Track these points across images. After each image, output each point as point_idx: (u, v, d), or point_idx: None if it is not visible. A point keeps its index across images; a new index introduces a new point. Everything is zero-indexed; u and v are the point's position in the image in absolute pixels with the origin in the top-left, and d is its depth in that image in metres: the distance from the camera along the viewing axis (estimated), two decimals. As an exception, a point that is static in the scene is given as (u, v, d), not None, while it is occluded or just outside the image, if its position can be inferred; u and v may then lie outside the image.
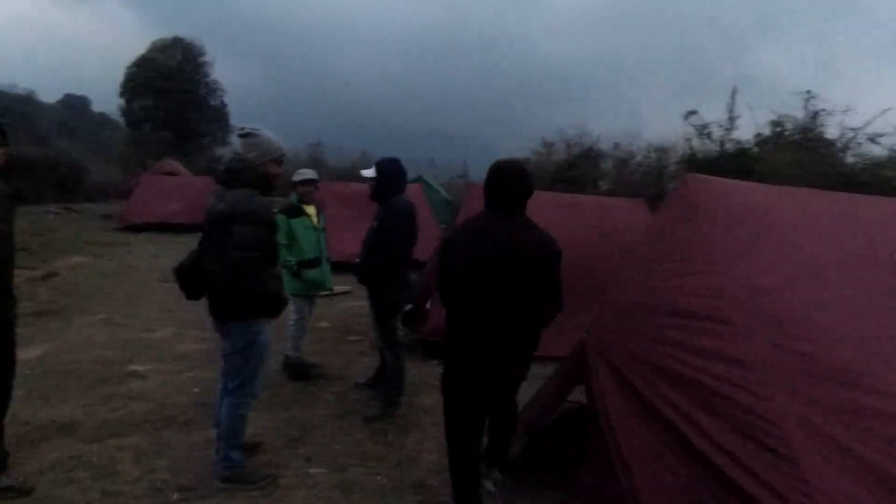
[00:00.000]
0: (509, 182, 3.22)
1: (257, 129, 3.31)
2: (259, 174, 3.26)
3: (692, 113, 15.12)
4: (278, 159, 3.38)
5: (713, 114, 14.84)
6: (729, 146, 14.45)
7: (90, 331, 6.63)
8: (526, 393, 4.91)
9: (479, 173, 22.84)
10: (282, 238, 4.91)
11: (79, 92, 68.59)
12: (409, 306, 4.82)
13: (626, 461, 2.55)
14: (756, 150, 14.04)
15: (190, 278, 3.33)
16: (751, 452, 2.14)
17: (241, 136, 3.29)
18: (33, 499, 3.21)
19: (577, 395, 3.46)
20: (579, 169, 17.61)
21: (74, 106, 64.47)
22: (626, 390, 2.71)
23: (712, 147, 14.79)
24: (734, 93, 14.33)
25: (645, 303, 2.88)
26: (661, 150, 16.98)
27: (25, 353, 5.21)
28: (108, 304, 8.11)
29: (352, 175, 22.53)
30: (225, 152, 32.33)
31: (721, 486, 2.18)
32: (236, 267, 3.05)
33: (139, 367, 5.41)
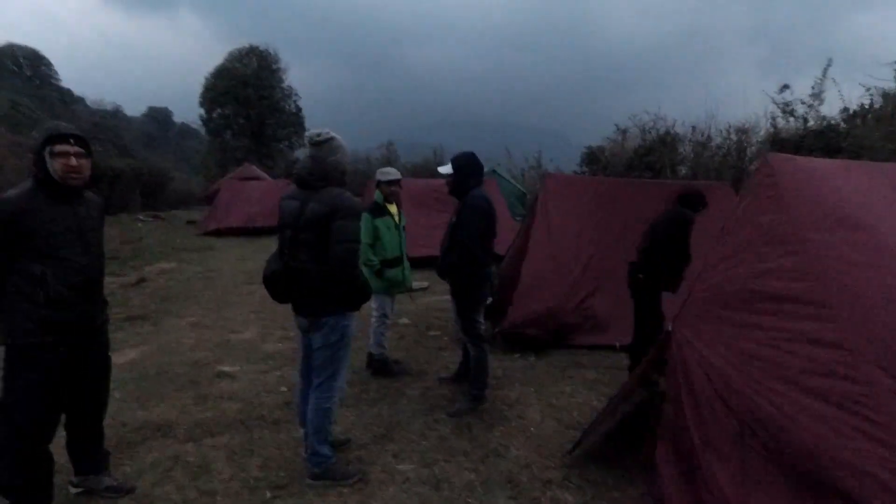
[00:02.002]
0: None
1: (332, 132, 3.39)
2: (342, 174, 3.39)
3: (785, 87, 14.58)
4: (351, 158, 3.49)
5: (799, 90, 14.69)
6: (814, 123, 13.90)
7: (180, 334, 6.86)
8: (614, 384, 4.95)
9: (552, 164, 22.49)
10: (365, 237, 4.96)
11: (161, 104, 72.43)
12: (489, 300, 4.74)
13: (711, 449, 2.56)
14: (844, 126, 13.37)
15: (281, 283, 3.38)
16: (856, 446, 2.09)
17: (319, 142, 3.32)
18: (133, 498, 3.29)
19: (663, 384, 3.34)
20: (656, 154, 17.12)
21: (157, 118, 68.26)
22: (713, 379, 2.69)
23: (796, 125, 14.27)
24: (827, 67, 13.67)
25: (734, 289, 2.83)
26: (742, 132, 16.43)
27: (120, 357, 5.45)
28: (195, 307, 8.39)
29: (426, 171, 22.66)
30: (301, 156, 33.26)
31: (820, 482, 2.15)
32: (343, 260, 3.17)
33: (228, 368, 5.54)
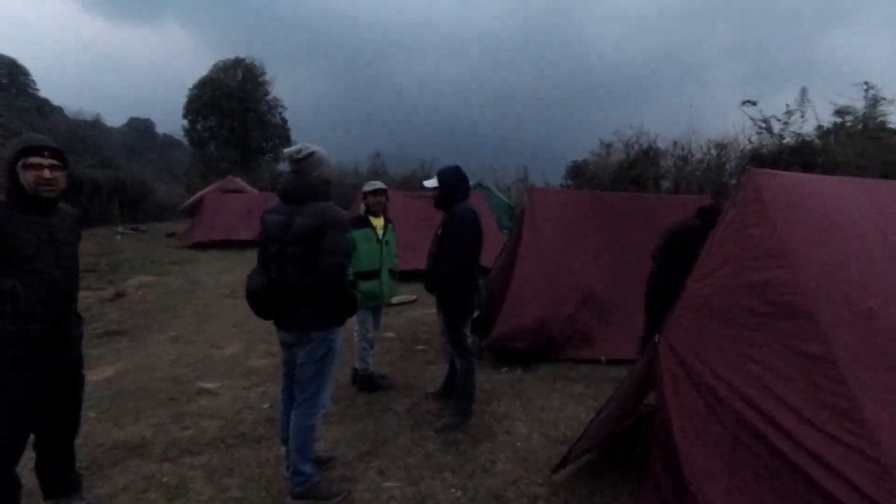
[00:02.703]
0: None
1: (312, 147, 3.37)
2: (327, 185, 3.40)
3: (749, 103, 15.00)
4: (335, 171, 3.41)
5: (776, 107, 15.06)
6: (790, 139, 14.39)
7: (160, 349, 6.71)
8: (601, 396, 4.88)
9: (539, 178, 22.66)
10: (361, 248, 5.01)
11: (144, 115, 72.01)
12: (476, 313, 4.70)
13: (700, 465, 2.52)
14: (818, 142, 13.97)
15: (266, 299, 3.31)
16: (841, 457, 2.13)
17: (300, 159, 3.31)
18: (107, 523, 3.16)
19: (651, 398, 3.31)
20: (640, 168, 17.51)
21: (139, 128, 67.74)
22: (703, 392, 2.67)
23: (772, 141, 14.75)
24: (804, 92, 14.31)
25: (721, 303, 2.84)
26: (721, 147, 16.93)
27: (96, 374, 5.30)
28: (176, 321, 8.23)
29: (413, 184, 22.66)
30: (285, 168, 33.11)
31: (809, 491, 2.16)
32: (333, 273, 3.18)
33: (209, 385, 5.41)
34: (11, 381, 2.75)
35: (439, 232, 4.50)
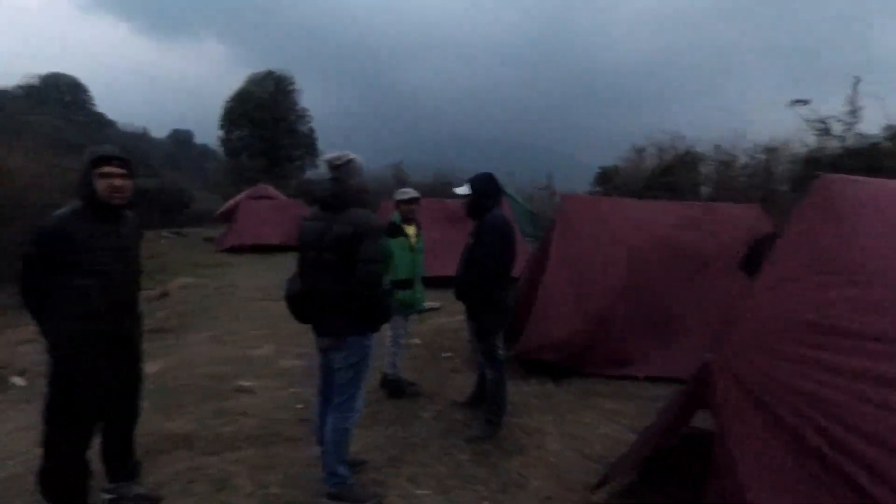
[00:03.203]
0: None
1: (350, 154, 3.43)
2: (364, 194, 3.45)
3: (801, 102, 13.79)
4: (368, 178, 3.55)
5: (832, 107, 13.47)
6: (852, 141, 13.12)
7: (200, 348, 7.01)
8: (637, 415, 4.86)
9: (563, 185, 22.22)
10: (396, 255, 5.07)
11: (185, 126, 74.93)
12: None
13: (764, 495, 2.27)
14: (888, 143, 12.67)
15: (304, 304, 3.42)
16: None
17: (339, 165, 3.36)
18: (160, 509, 3.38)
19: (698, 420, 3.25)
20: (675, 174, 16.67)
21: (180, 139, 70.62)
22: (764, 416, 2.42)
23: (833, 143, 13.46)
24: (856, 83, 13.06)
25: (785, 320, 2.60)
26: (771, 150, 15.80)
27: (146, 368, 5.53)
28: (214, 322, 8.57)
29: (433, 191, 22.72)
30: (312, 175, 33.62)
31: None
32: (369, 280, 3.21)
33: (246, 383, 5.63)
34: (83, 374, 2.99)
35: (470, 240, 4.52)
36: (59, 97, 52.73)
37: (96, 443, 3.25)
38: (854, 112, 13.14)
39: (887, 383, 2.11)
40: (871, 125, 12.94)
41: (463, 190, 4.53)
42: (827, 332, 2.38)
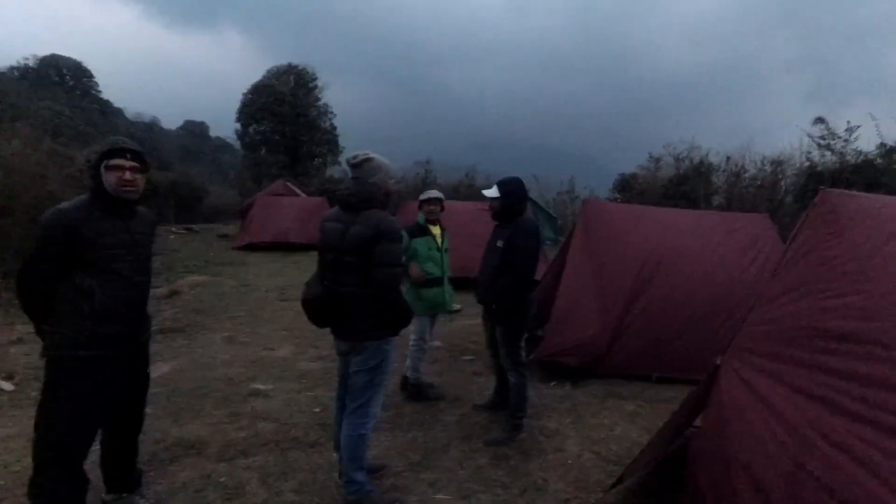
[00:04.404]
0: None
1: (370, 153, 3.38)
2: (384, 194, 3.37)
3: (819, 121, 14.69)
4: (391, 178, 3.48)
5: (841, 124, 14.47)
6: (851, 158, 13.99)
7: (214, 348, 6.86)
8: (654, 416, 4.83)
9: (584, 190, 22.53)
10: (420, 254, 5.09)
11: (198, 118, 74.00)
12: (540, 332, 4.70)
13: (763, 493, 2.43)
14: (881, 161, 13.58)
15: (321, 307, 3.34)
16: None
17: (357, 163, 3.32)
18: (165, 520, 3.23)
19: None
20: (690, 184, 17.31)
21: (194, 131, 69.84)
22: (769, 417, 2.56)
23: (833, 159, 14.41)
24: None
25: (794, 326, 2.70)
26: (777, 163, 16.60)
27: (154, 371, 5.40)
28: (228, 321, 8.41)
29: (458, 193, 22.73)
30: (335, 174, 33.51)
31: None
32: (386, 283, 3.16)
33: (261, 386, 5.49)
34: (85, 378, 2.83)
35: (500, 244, 4.45)
36: (60, 81, 50.08)
37: (94, 451, 3.08)
38: (851, 130, 14.07)
39: (884, 386, 2.20)
40: (870, 143, 13.90)
41: (492, 192, 4.52)
42: (828, 338, 2.50)
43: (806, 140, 15.12)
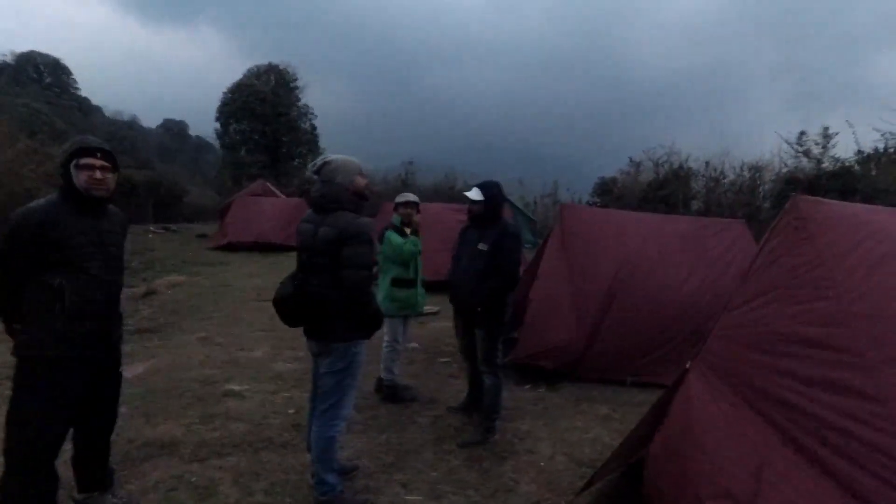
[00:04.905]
0: None
1: (328, 157, 3.41)
2: (352, 193, 3.36)
3: (802, 134, 15.01)
4: (361, 172, 3.46)
5: (819, 130, 14.73)
6: (828, 164, 14.24)
7: (189, 349, 6.83)
8: (627, 420, 4.86)
9: (566, 194, 22.67)
10: (390, 251, 5.11)
11: (178, 117, 73.22)
12: (515, 335, 4.74)
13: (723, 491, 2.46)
14: (857, 168, 13.76)
15: (291, 307, 3.35)
16: (884, 497, 1.99)
17: (317, 169, 3.37)
18: (137, 519, 3.22)
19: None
20: (669, 188, 17.43)
21: (173, 130, 69.14)
22: (734, 420, 2.62)
23: (810, 166, 14.67)
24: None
25: (760, 331, 2.74)
26: (756, 169, 16.82)
27: (128, 371, 5.35)
28: (205, 322, 8.38)
29: (439, 194, 22.75)
30: (310, 177, 33.42)
31: None
32: (353, 285, 3.15)
33: (236, 387, 5.48)
34: (57, 378, 2.82)
35: (483, 247, 4.43)
36: (38, 78, 49.95)
37: (66, 450, 3.07)
38: (829, 137, 14.38)
39: (848, 391, 2.24)
40: (847, 150, 14.38)
41: (475, 195, 4.50)
42: (794, 343, 2.54)
43: (785, 146, 15.46)
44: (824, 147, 14.43)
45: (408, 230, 5.31)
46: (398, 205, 5.37)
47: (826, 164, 14.22)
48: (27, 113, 33.29)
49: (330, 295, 3.20)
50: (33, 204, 2.84)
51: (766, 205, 15.76)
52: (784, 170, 15.58)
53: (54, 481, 2.93)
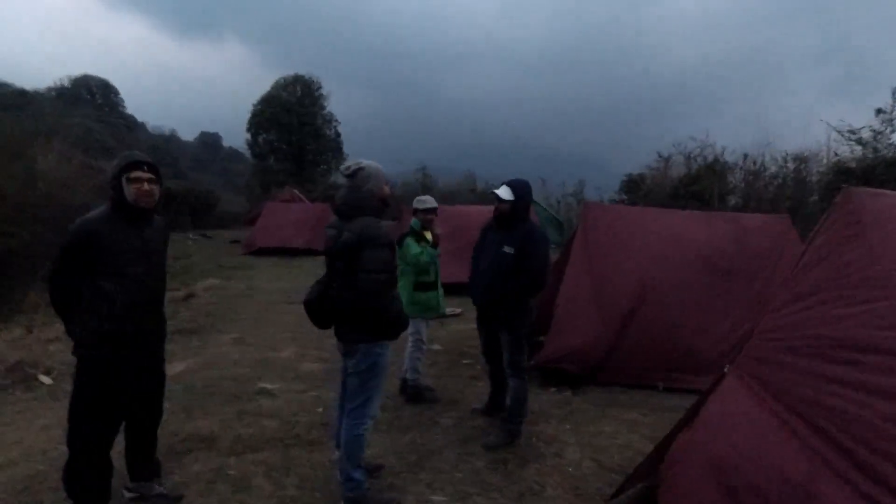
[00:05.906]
0: None
1: (362, 162, 3.47)
2: (378, 200, 3.44)
3: (881, 112, 13.08)
4: (386, 181, 3.55)
5: (867, 116, 13.38)
6: (886, 152, 12.72)
7: (224, 349, 7.13)
8: (657, 425, 4.75)
9: (592, 192, 22.00)
10: (412, 259, 5.14)
11: (213, 129, 75.95)
12: (541, 338, 4.73)
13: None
14: None
15: (319, 310, 3.49)
16: None
17: (350, 174, 3.42)
18: (181, 507, 3.46)
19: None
20: (702, 183, 16.38)
21: (208, 142, 71.84)
22: (777, 427, 2.40)
23: (864, 154, 13.21)
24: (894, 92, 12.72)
25: (807, 334, 2.54)
26: (801, 160, 15.63)
27: (171, 369, 5.67)
28: (238, 323, 8.71)
29: (457, 197, 22.66)
30: (338, 180, 33.84)
31: None
32: (368, 289, 3.19)
33: (268, 385, 5.71)
34: (107, 376, 3.09)
35: (508, 249, 4.35)
36: (91, 99, 53.87)
37: (120, 442, 3.34)
38: (888, 121, 12.74)
39: None
40: None
41: (505, 193, 4.39)
42: (845, 348, 2.33)
43: (833, 134, 13.92)
44: (880, 132, 12.70)
45: (427, 234, 5.36)
46: (418, 210, 5.41)
47: (883, 151, 12.64)
48: (82, 131, 35.00)
49: (347, 298, 3.27)
50: (89, 215, 3.09)
51: (815, 197, 14.34)
52: (834, 159, 14.06)
53: (109, 469, 3.22)
